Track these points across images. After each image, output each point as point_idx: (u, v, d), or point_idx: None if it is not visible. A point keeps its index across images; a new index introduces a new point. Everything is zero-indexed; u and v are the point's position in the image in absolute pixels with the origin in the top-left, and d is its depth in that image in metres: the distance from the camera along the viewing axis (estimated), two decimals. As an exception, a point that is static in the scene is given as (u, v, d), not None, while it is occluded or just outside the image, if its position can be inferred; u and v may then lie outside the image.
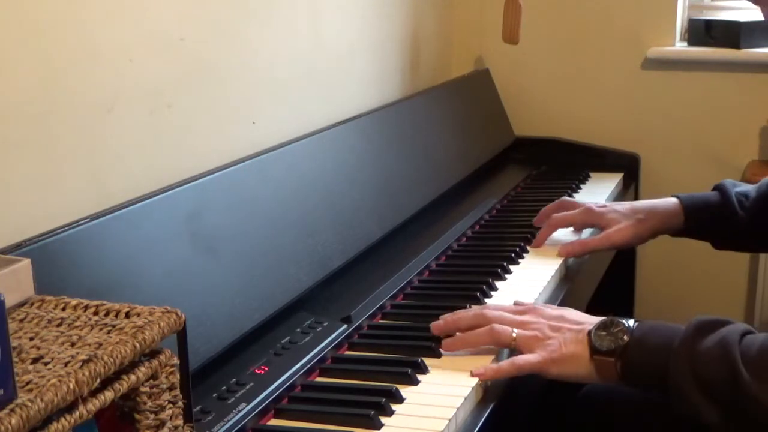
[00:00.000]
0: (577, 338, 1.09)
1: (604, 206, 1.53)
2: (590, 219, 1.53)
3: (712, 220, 1.47)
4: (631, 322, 1.08)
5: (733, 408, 0.97)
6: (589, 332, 1.08)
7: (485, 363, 1.11)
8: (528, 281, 1.39)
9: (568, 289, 1.42)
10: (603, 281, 1.76)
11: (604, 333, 1.07)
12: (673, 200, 1.49)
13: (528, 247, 1.54)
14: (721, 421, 0.98)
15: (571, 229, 1.60)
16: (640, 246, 2.19)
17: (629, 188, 2.10)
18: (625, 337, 1.06)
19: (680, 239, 1.57)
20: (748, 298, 2.23)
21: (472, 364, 1.10)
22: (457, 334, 1.16)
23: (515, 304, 1.22)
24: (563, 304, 1.33)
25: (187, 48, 1.29)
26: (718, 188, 1.49)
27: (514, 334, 1.12)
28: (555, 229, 1.56)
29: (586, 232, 1.60)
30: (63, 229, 0.96)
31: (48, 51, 1.06)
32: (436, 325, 1.17)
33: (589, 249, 1.50)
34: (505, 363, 1.10)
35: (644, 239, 1.50)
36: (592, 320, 1.11)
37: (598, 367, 1.07)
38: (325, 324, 1.19)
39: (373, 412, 0.97)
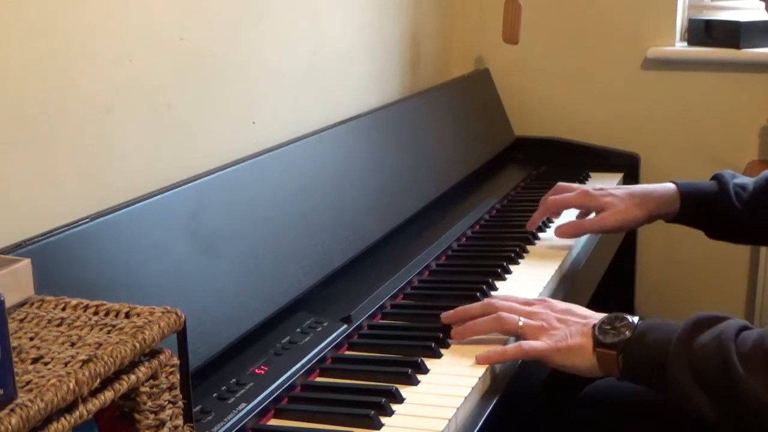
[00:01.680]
0: (582, 331, 1.11)
1: (601, 189, 1.53)
2: (586, 202, 1.53)
3: (707, 209, 1.47)
4: (635, 319, 1.09)
5: (727, 401, 0.98)
6: (594, 326, 1.10)
7: (498, 343, 1.13)
8: (528, 281, 1.39)
9: (568, 289, 1.42)
10: (603, 281, 1.76)
11: (608, 327, 1.09)
12: (671, 186, 1.50)
13: (528, 247, 1.54)
14: (717, 415, 0.99)
15: (573, 213, 1.61)
16: (640, 244, 2.21)
17: (629, 188, 2.09)
18: (628, 333, 1.07)
19: (679, 232, 1.57)
20: (748, 294, 2.23)
21: (472, 364, 1.10)
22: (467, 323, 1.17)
23: None
24: (563, 304, 1.34)
25: (187, 48, 1.29)
26: (717, 178, 1.49)
27: (520, 323, 1.14)
28: (550, 211, 1.57)
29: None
30: (63, 229, 0.96)
31: (48, 51, 1.06)
32: (446, 315, 1.20)
33: (581, 230, 1.52)
34: (511, 347, 1.12)
35: (639, 223, 1.51)
36: (598, 315, 1.13)
37: (600, 360, 1.09)
38: (325, 324, 1.19)
39: (373, 412, 0.97)
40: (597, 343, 1.09)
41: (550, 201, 1.56)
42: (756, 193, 1.45)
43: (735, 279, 2.22)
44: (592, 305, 1.51)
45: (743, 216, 1.45)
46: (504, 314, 1.15)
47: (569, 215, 1.64)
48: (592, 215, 1.55)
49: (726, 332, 1.00)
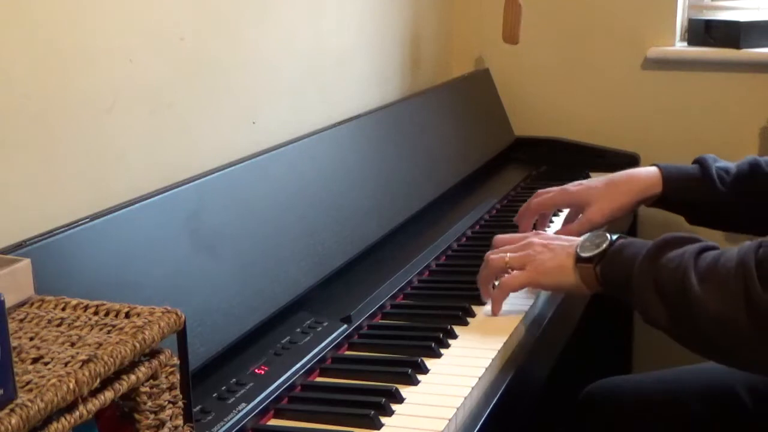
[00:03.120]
0: (566, 251, 1.19)
1: (580, 185, 1.49)
2: (567, 199, 1.49)
3: (689, 192, 1.45)
4: (614, 236, 1.16)
5: (680, 311, 1.04)
6: (577, 245, 1.18)
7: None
8: (528, 281, 1.38)
9: (568, 289, 1.42)
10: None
11: (588, 243, 1.17)
12: (653, 169, 1.48)
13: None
14: (670, 323, 1.05)
15: (561, 218, 1.57)
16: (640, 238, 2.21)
17: (629, 188, 2.09)
18: (605, 245, 1.14)
19: (678, 227, 1.55)
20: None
21: (472, 363, 1.10)
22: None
23: None
24: (563, 303, 1.34)
25: (187, 48, 1.29)
26: (699, 162, 1.47)
27: (507, 258, 1.23)
28: (534, 214, 1.51)
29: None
30: (63, 229, 0.96)
31: (48, 51, 1.06)
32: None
33: (574, 234, 1.46)
34: (495, 291, 1.24)
35: (625, 211, 1.47)
36: (583, 237, 1.20)
37: (581, 275, 1.16)
38: (325, 324, 1.19)
39: (373, 412, 0.97)
40: (577, 259, 1.16)
41: (533, 204, 1.50)
42: (739, 178, 1.43)
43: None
44: (591, 302, 1.51)
45: (725, 200, 1.43)
46: (491, 257, 1.25)
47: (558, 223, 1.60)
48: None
49: (689, 251, 1.06)
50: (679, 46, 2.22)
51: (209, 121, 1.35)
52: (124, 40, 1.17)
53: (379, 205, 1.54)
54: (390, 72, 1.96)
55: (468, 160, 1.96)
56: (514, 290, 1.24)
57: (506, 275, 1.23)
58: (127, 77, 1.18)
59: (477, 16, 2.32)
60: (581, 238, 1.19)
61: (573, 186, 1.49)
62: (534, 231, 1.28)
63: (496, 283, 1.26)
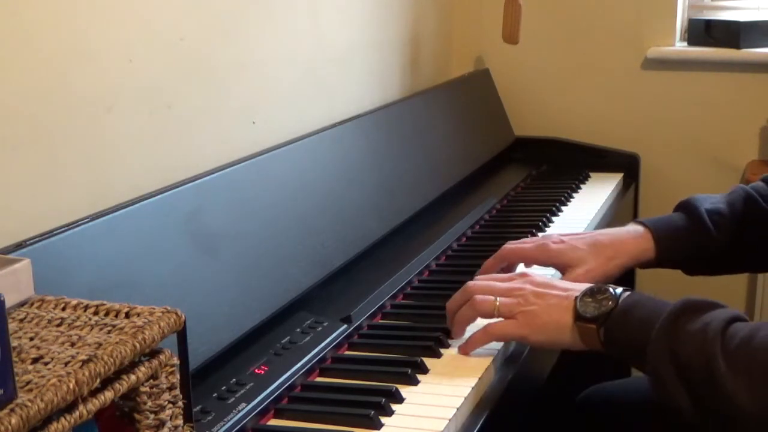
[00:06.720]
0: (562, 305, 1.06)
1: (561, 242, 1.27)
2: (545, 257, 1.28)
3: (686, 249, 1.28)
4: (619, 290, 1.05)
5: (704, 397, 0.93)
6: (576, 298, 1.06)
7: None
8: (528, 281, 1.38)
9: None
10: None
11: (589, 299, 1.05)
12: (640, 230, 1.29)
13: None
14: (693, 410, 0.94)
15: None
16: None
17: (629, 188, 2.10)
18: (610, 304, 1.03)
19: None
20: (747, 297, 2.23)
21: (472, 364, 1.10)
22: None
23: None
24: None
25: (187, 48, 1.29)
26: (686, 209, 1.30)
27: (497, 302, 1.09)
28: (506, 260, 1.30)
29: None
30: (63, 229, 0.96)
31: (48, 51, 1.06)
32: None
33: None
34: (478, 332, 1.09)
35: (611, 279, 1.26)
36: (580, 287, 1.08)
37: (581, 334, 1.04)
38: (325, 324, 1.19)
39: (373, 412, 0.97)
40: (577, 317, 1.04)
41: (506, 250, 1.30)
42: (735, 220, 1.29)
43: (735, 279, 2.22)
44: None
45: (724, 247, 1.28)
46: (479, 297, 1.10)
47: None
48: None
49: (713, 324, 0.94)
50: (679, 46, 2.22)
51: (209, 121, 1.35)
52: (124, 40, 1.17)
53: (379, 205, 1.54)
54: (390, 72, 1.96)
55: (468, 160, 1.96)
56: (500, 341, 1.11)
57: (494, 321, 1.10)
58: (126, 77, 1.18)
59: (477, 16, 2.32)
60: (579, 290, 1.06)
61: (553, 243, 1.27)
62: (521, 273, 1.13)
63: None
